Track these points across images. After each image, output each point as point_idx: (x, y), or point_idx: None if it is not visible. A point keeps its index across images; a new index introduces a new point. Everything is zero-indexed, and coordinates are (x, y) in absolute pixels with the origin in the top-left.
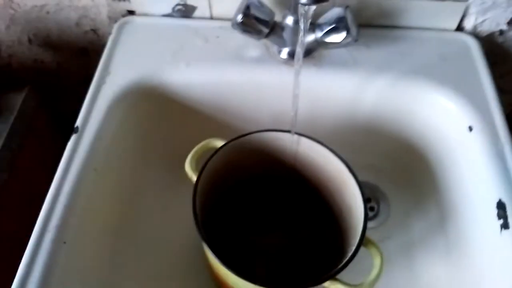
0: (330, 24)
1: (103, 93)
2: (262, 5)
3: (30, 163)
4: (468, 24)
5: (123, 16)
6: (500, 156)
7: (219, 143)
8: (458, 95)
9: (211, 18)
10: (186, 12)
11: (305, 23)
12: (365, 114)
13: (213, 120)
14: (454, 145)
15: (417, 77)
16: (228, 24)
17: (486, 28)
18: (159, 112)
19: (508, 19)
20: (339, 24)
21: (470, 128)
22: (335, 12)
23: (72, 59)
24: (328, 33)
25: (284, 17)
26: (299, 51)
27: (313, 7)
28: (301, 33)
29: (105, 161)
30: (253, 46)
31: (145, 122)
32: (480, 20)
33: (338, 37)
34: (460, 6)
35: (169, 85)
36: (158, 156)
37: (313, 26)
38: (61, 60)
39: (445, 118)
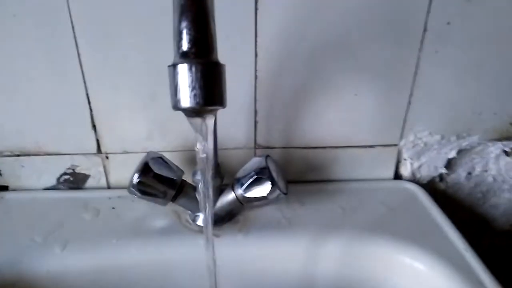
0: (251, 177)
1: None
2: (165, 161)
3: None
4: (405, 170)
5: None
6: None
7: None
8: (424, 251)
9: (108, 187)
10: (75, 182)
11: (206, 171)
12: None
13: None
14: None
15: (371, 236)
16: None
17: (425, 173)
18: None
19: (445, 162)
20: (261, 175)
21: None
22: (254, 161)
23: None
24: (250, 186)
25: (194, 173)
26: (207, 217)
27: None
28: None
29: None
30: (159, 215)
31: None
32: (416, 165)
33: (262, 190)
34: (392, 151)
35: (34, 278)
36: None
37: (231, 182)
38: None
39: (417, 283)
